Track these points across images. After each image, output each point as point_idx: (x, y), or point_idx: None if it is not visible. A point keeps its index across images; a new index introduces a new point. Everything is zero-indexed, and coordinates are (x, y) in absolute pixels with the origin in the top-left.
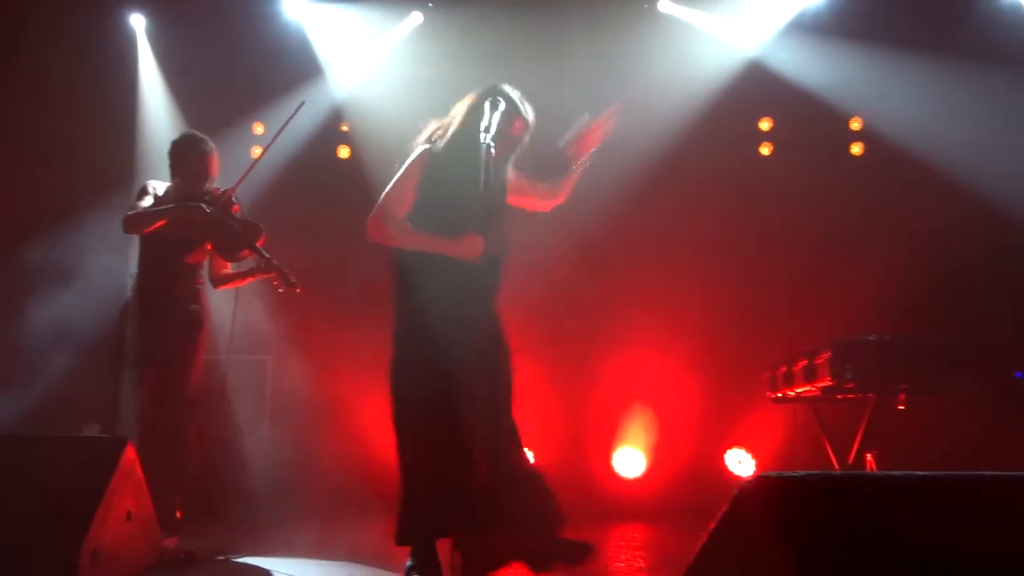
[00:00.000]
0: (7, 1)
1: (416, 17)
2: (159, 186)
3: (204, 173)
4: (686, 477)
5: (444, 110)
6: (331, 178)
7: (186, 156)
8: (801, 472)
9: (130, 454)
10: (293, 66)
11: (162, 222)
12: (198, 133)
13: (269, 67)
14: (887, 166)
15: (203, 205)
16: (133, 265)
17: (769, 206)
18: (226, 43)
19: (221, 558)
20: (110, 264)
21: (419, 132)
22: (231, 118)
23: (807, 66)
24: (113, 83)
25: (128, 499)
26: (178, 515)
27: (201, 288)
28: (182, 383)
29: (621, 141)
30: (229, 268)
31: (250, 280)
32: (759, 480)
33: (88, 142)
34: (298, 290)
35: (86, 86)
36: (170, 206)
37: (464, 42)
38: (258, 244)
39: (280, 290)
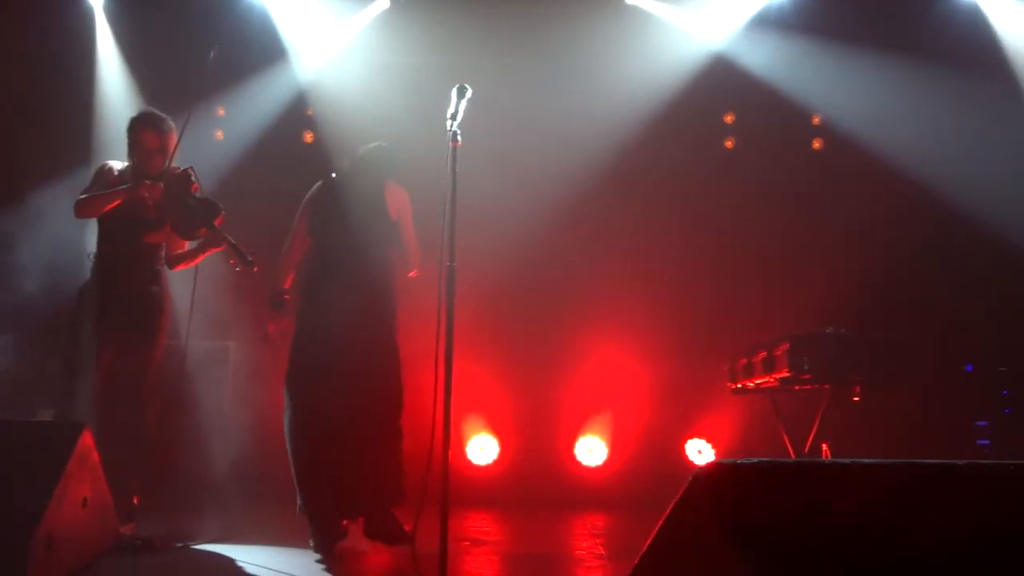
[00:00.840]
0: None
1: (382, 3)
2: (117, 166)
3: (161, 151)
4: (647, 466)
5: (409, 96)
6: (295, 162)
7: (142, 134)
8: (753, 459)
9: (86, 439)
10: (256, 48)
11: (113, 204)
12: (156, 111)
13: (232, 48)
14: (846, 161)
15: (154, 183)
16: (91, 246)
17: (731, 199)
18: (188, 23)
19: (179, 545)
20: (66, 245)
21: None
22: (192, 100)
23: (771, 61)
24: (70, 60)
25: (84, 485)
26: (135, 501)
27: (161, 269)
28: (141, 367)
29: (583, 133)
30: (185, 247)
31: (203, 257)
32: (713, 466)
33: (44, 120)
34: (255, 268)
35: (41, 63)
36: (119, 187)
37: (430, 30)
38: (216, 223)
39: (237, 268)
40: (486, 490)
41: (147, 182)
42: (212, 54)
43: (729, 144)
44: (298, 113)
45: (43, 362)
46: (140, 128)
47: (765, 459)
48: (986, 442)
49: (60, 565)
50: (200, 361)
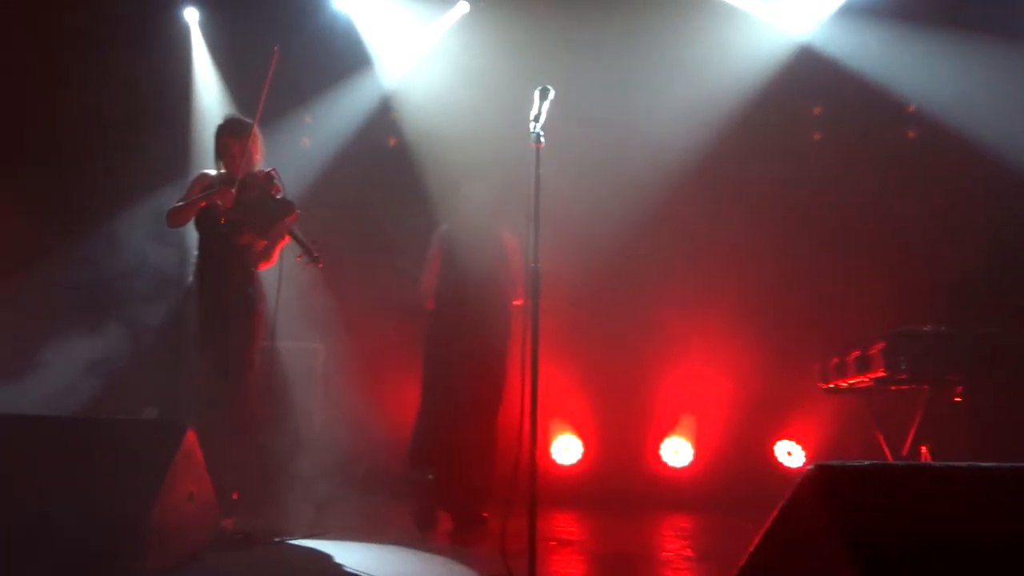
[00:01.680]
0: (62, 3)
1: (462, 6)
2: (212, 173)
3: (244, 155)
4: (733, 467)
5: (491, 99)
6: (381, 167)
7: (225, 140)
8: (862, 461)
9: (190, 437)
10: (342, 57)
11: (193, 211)
12: (238, 116)
13: (318, 58)
14: (942, 152)
15: (226, 190)
16: (194, 250)
17: (821, 193)
18: (276, 35)
19: (276, 540)
20: (167, 251)
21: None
22: (281, 109)
23: (860, 50)
24: (169, 76)
25: (189, 481)
26: (234, 496)
27: (255, 271)
28: (240, 365)
29: (667, 132)
30: (263, 245)
31: (276, 252)
32: (819, 469)
33: (145, 134)
34: (320, 265)
35: (143, 80)
36: (198, 195)
37: (510, 32)
38: (288, 220)
39: (304, 266)
40: (571, 490)
41: (220, 189)
42: (276, 50)
43: (818, 137)
44: (383, 118)
45: (148, 362)
46: (222, 134)
47: (878, 462)
48: None
49: (168, 557)
50: (291, 362)
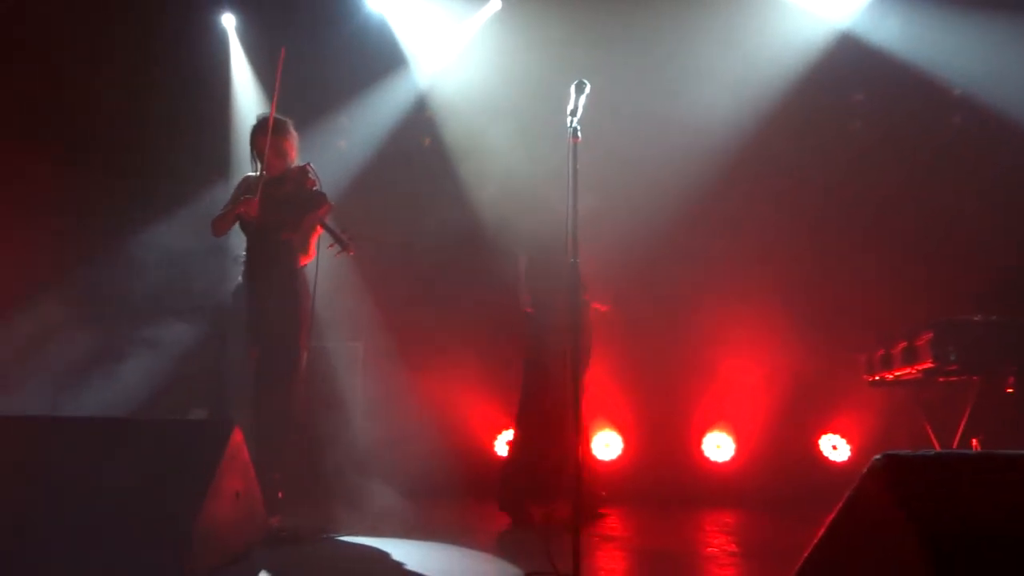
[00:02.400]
0: (103, 9)
1: (495, 4)
2: (252, 175)
3: (277, 153)
4: (777, 462)
5: (526, 95)
6: (417, 166)
7: (256, 139)
8: (929, 451)
9: (237, 436)
10: (376, 57)
11: (228, 222)
12: (264, 116)
13: (353, 59)
14: (988, 137)
15: (249, 199)
16: (239, 249)
17: (865, 183)
18: (311, 38)
19: (323, 537)
20: (213, 252)
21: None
22: (319, 111)
23: (901, 35)
24: (208, 82)
25: (236, 480)
26: (280, 495)
27: (300, 269)
28: (285, 362)
29: (708, 122)
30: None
31: (313, 243)
32: (886, 459)
33: (187, 139)
34: (351, 252)
35: (181, 85)
36: (228, 206)
37: (543, 27)
38: (320, 212)
39: (336, 255)
40: (612, 486)
41: (243, 200)
42: (283, 52)
43: (860, 125)
44: (418, 118)
45: (195, 363)
46: (255, 134)
47: (946, 450)
48: None
49: (216, 555)
50: (331, 361)
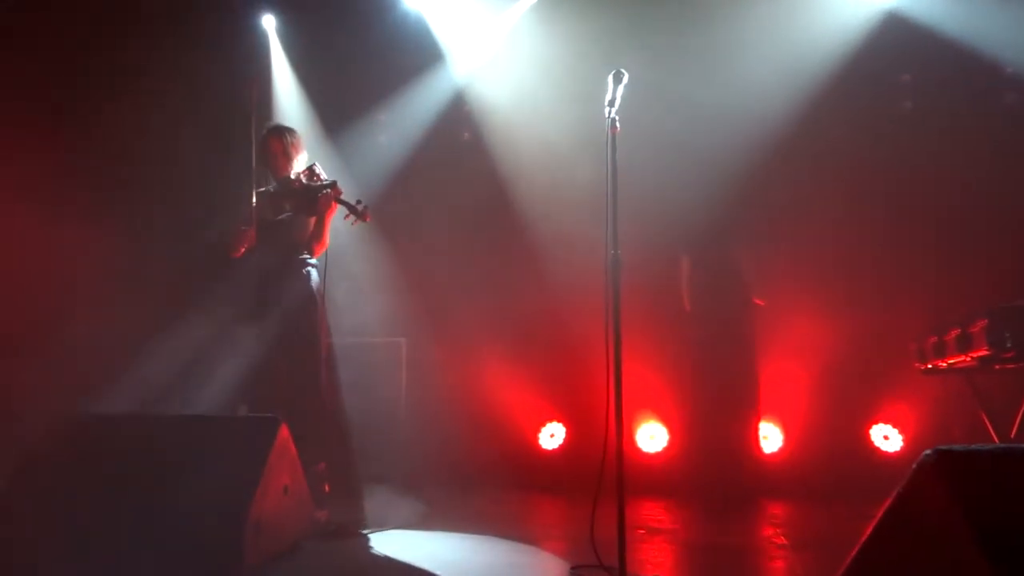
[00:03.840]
0: (144, 13)
1: None
2: (264, 191)
3: (285, 155)
4: (827, 452)
5: (564, 86)
6: (456, 161)
7: (268, 142)
8: (983, 445)
9: (283, 432)
10: (414, 53)
11: (239, 243)
12: (280, 124)
13: (390, 56)
14: None
15: (243, 231)
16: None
17: (912, 165)
18: (349, 36)
19: (369, 531)
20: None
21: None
22: (358, 108)
23: (949, 13)
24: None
25: (284, 475)
26: (326, 489)
27: (310, 270)
28: (311, 366)
29: (752, 108)
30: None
31: (327, 226)
32: (937, 455)
33: (228, 144)
34: (367, 218)
35: (224, 89)
36: (228, 234)
37: (580, 18)
38: (332, 192)
39: (353, 223)
40: (657, 478)
41: (238, 234)
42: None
43: (907, 107)
44: (457, 113)
45: (233, 360)
46: (266, 137)
47: (1001, 444)
48: None
49: (267, 549)
50: (374, 357)
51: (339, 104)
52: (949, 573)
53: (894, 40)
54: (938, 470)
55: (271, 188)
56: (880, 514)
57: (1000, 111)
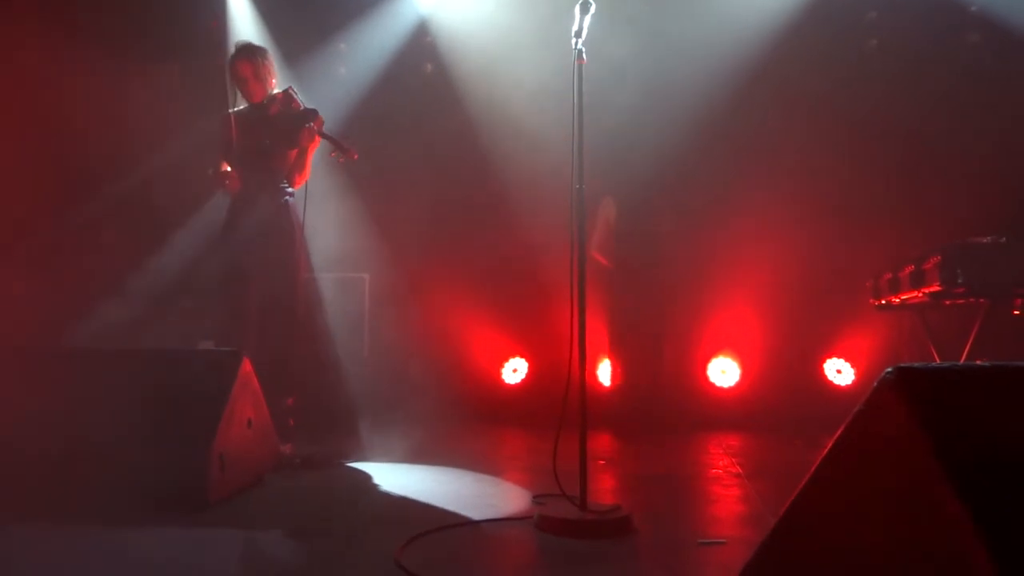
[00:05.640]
0: None
1: None
2: (234, 111)
3: (257, 78)
4: (782, 386)
5: (528, 19)
6: (419, 93)
7: (236, 65)
8: (944, 363)
9: (247, 366)
10: None
11: (221, 181)
12: (250, 43)
13: None
14: (1005, 55)
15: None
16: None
17: (876, 106)
18: None
19: (336, 462)
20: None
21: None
22: (318, 36)
23: None
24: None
25: (248, 408)
26: (291, 423)
27: (289, 201)
28: (285, 297)
29: (714, 41)
30: (294, 158)
31: (309, 158)
32: (898, 372)
33: (179, 69)
34: (355, 156)
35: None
36: (217, 156)
37: None
38: (315, 124)
39: (339, 159)
40: (616, 412)
41: (219, 176)
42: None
43: (873, 44)
44: (419, 43)
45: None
46: (234, 60)
47: (962, 363)
48: None
49: (232, 481)
50: (336, 292)
51: (297, 33)
52: (907, 490)
53: None
54: (898, 388)
55: (244, 110)
56: (838, 434)
57: (962, 52)
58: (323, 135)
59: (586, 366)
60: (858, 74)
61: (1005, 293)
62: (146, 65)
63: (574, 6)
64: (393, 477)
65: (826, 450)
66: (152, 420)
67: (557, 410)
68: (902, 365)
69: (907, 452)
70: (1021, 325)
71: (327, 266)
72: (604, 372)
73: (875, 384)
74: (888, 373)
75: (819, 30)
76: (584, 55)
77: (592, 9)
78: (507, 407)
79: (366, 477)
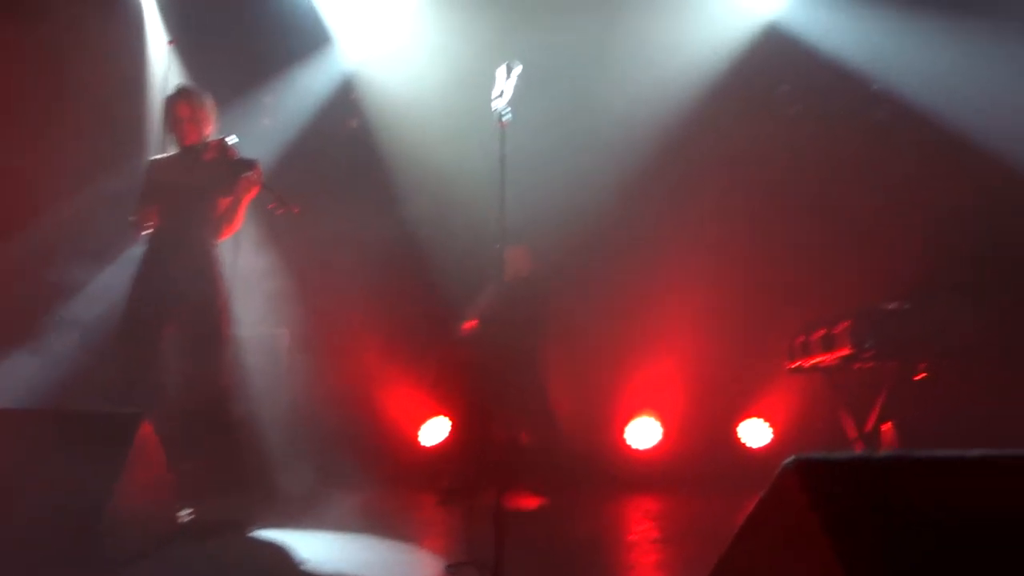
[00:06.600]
0: None
1: None
2: (161, 157)
3: (192, 121)
4: (701, 447)
5: (455, 79)
6: (342, 148)
7: (174, 105)
8: (841, 454)
9: (146, 428)
10: (300, 34)
11: (144, 222)
12: (190, 86)
13: (276, 36)
14: (910, 131)
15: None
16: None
17: (789, 173)
18: (235, 12)
19: (237, 529)
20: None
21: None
22: (241, 88)
23: (827, 28)
24: (123, 55)
25: (145, 472)
26: (193, 486)
27: (213, 251)
28: (211, 351)
29: (637, 108)
30: (226, 207)
31: (243, 209)
32: (797, 463)
33: (98, 116)
34: (296, 210)
35: (93, 59)
36: (141, 202)
37: (477, 11)
38: (253, 174)
39: (278, 212)
40: (535, 474)
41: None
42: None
43: (787, 116)
44: (345, 99)
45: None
46: (172, 99)
47: (859, 453)
48: None
49: (127, 548)
50: (254, 349)
51: (220, 83)
52: None
53: (776, 51)
54: (797, 478)
55: (173, 156)
56: (743, 521)
57: (867, 125)
58: (265, 187)
59: (508, 427)
60: (773, 141)
61: (911, 357)
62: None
63: (497, 67)
64: (302, 544)
65: (732, 537)
66: (46, 484)
67: (475, 472)
68: (801, 456)
69: (806, 541)
70: (928, 387)
71: (246, 319)
72: (525, 433)
73: (777, 472)
74: (788, 463)
75: (736, 98)
76: (507, 116)
77: (518, 71)
78: (426, 467)
79: (272, 544)
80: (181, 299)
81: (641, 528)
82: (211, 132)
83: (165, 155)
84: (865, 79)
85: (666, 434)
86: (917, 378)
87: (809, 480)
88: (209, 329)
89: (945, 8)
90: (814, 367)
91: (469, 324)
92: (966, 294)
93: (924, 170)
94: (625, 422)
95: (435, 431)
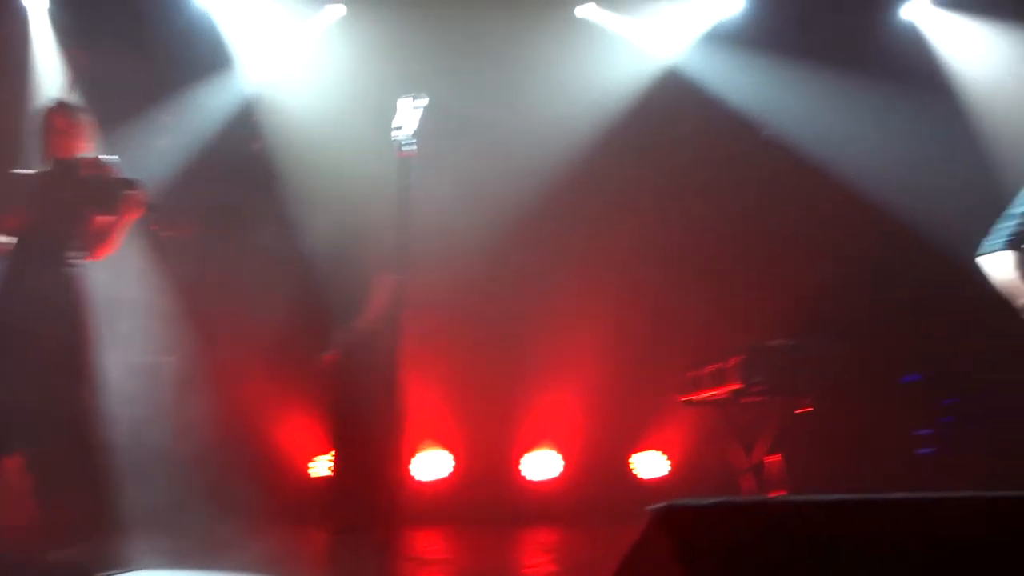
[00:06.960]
0: None
1: (339, 9)
2: (24, 171)
3: (66, 134)
4: (597, 479)
5: (359, 104)
6: (242, 172)
7: (50, 116)
8: (710, 499)
9: (8, 464)
10: (202, 54)
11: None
12: (68, 101)
13: (177, 56)
14: (799, 176)
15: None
16: None
17: (684, 212)
18: (132, 29)
19: (112, 572)
20: None
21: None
22: (137, 107)
23: (723, 75)
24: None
25: (9, 512)
26: (68, 527)
27: (82, 271)
28: (70, 389)
29: (538, 144)
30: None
31: (122, 228)
32: (666, 510)
33: None
34: (189, 232)
35: None
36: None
37: (383, 40)
38: (136, 194)
39: (162, 233)
40: (436, 507)
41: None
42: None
43: (686, 157)
44: (246, 121)
45: None
46: (49, 110)
47: (726, 498)
48: (928, 450)
49: None
50: (138, 378)
51: (114, 99)
52: None
53: (674, 95)
54: (665, 523)
55: (44, 170)
56: (617, 567)
57: (761, 172)
58: (149, 207)
59: (401, 460)
60: (671, 181)
61: (796, 392)
62: None
63: (400, 97)
64: None
65: None
66: None
67: (366, 506)
68: (669, 502)
69: None
70: (814, 419)
71: (126, 347)
72: (422, 466)
73: (647, 518)
74: (656, 509)
75: (637, 135)
76: (410, 146)
77: (423, 102)
78: (314, 502)
79: None
80: (40, 317)
81: (536, 561)
82: (86, 149)
83: (33, 170)
84: (756, 124)
85: (565, 466)
86: (799, 412)
87: (675, 526)
88: (68, 351)
89: (837, 64)
90: (705, 400)
91: (330, 356)
92: (843, 335)
93: (812, 216)
94: (522, 454)
95: (323, 463)
